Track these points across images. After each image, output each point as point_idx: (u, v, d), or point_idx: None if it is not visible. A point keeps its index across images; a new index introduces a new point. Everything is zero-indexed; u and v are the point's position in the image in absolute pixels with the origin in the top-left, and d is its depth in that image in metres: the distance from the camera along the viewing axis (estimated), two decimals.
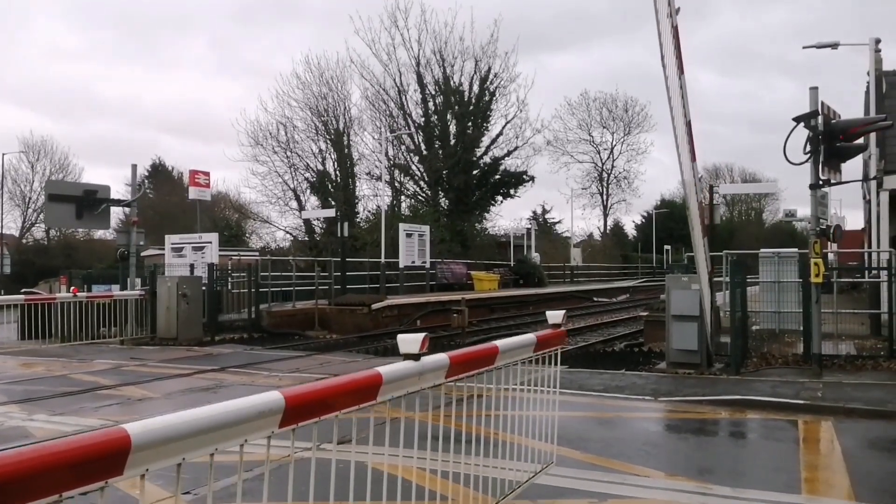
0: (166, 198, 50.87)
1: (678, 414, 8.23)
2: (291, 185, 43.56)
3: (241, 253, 29.34)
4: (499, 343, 4.40)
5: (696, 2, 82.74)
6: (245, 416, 2.47)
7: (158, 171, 56.84)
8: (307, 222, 43.09)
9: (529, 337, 4.77)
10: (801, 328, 11.38)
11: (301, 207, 42.97)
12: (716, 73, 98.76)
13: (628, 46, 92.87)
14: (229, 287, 20.90)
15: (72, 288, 17.88)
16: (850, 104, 40.79)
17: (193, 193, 24.94)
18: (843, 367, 10.61)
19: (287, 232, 45.73)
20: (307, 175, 43.37)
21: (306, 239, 43.81)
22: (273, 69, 75.48)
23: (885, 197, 14.85)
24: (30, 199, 51.63)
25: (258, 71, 75.68)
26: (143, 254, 21.38)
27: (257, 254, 31.62)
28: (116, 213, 27.47)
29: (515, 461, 4.56)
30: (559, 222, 65.73)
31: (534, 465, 4.78)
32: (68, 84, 77.54)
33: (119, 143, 76.80)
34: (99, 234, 43.84)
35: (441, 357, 3.73)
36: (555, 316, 5.09)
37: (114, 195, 17.89)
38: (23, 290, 20.44)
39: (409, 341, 3.47)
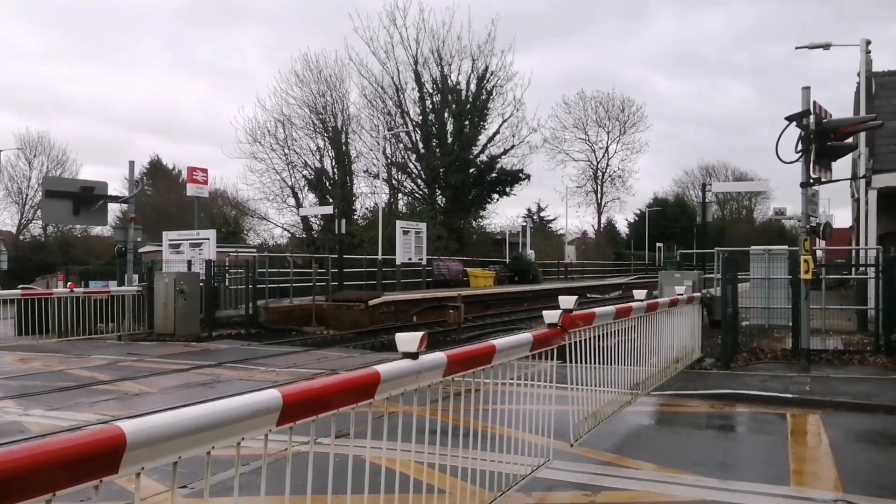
0: (164, 195, 50.81)
1: (669, 408, 8.34)
2: (289, 183, 43.61)
3: (239, 249, 29.33)
4: (496, 342, 4.41)
5: (634, 4, 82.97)
6: (242, 415, 2.46)
7: (156, 169, 56.83)
8: (305, 219, 43.10)
9: (526, 336, 4.81)
10: (791, 324, 11.50)
11: (299, 205, 43.00)
12: (666, 77, 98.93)
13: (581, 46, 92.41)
14: (227, 283, 20.94)
15: (68, 283, 17.91)
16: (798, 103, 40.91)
17: (191, 190, 24.98)
18: (831, 361, 10.75)
19: (285, 229, 45.80)
20: (305, 172, 43.41)
21: (304, 236, 43.85)
22: (233, 68, 75.12)
23: (873, 195, 15.00)
24: (27, 195, 51.53)
25: (226, 70, 75.35)
26: (140, 250, 21.42)
27: (255, 250, 31.63)
28: (114, 210, 27.56)
29: (513, 455, 4.61)
30: (554, 220, 66.15)
31: (530, 458, 4.83)
32: (32, 84, 77.27)
33: (94, 143, 76.56)
34: (96, 230, 43.64)
35: (439, 356, 3.74)
36: (551, 315, 5.15)
37: (110, 193, 17.96)
38: (20, 286, 20.41)
39: (408, 340, 3.48)
